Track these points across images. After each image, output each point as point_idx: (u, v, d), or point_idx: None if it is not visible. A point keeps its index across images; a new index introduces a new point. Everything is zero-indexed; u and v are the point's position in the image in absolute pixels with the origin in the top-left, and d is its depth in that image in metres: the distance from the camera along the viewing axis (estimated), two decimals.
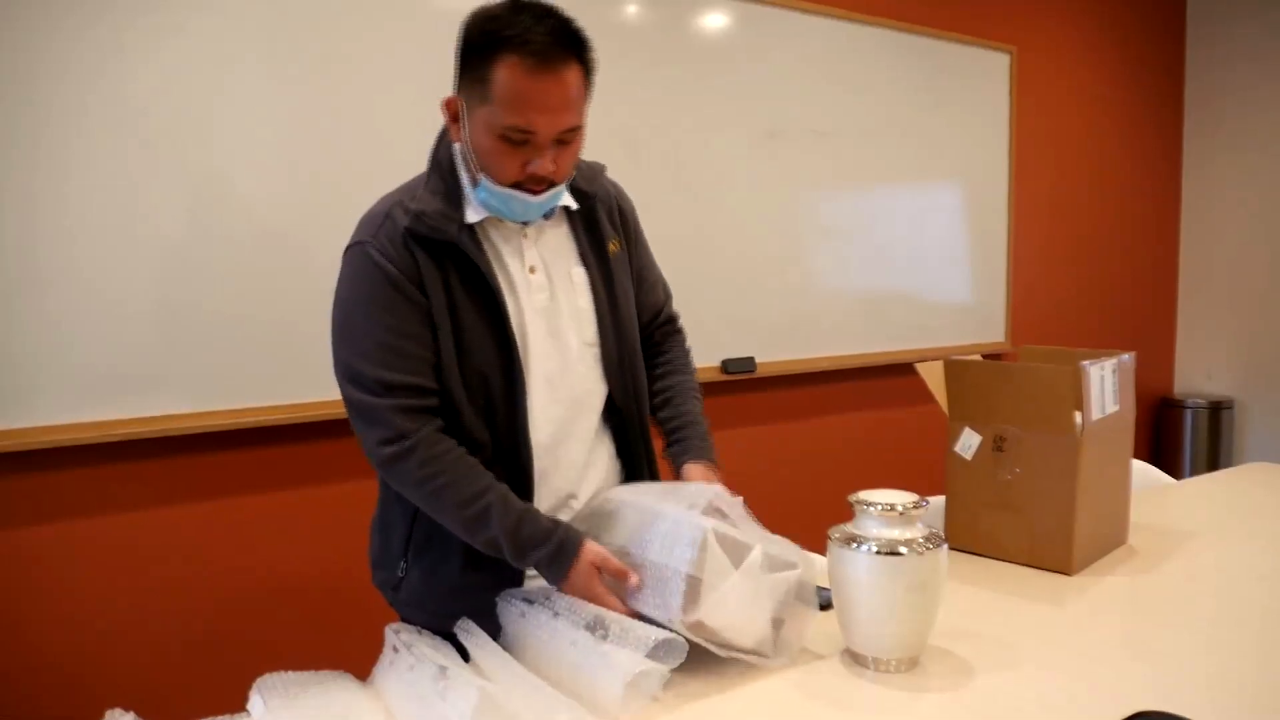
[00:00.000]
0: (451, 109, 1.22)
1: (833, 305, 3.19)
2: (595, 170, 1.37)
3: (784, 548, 1.18)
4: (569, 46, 1.15)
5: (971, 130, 3.59)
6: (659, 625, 1.10)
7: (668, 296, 1.53)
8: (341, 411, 2.25)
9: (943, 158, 3.50)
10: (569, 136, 1.19)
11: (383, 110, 2.22)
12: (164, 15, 1.96)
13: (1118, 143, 4.27)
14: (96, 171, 1.91)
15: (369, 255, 1.20)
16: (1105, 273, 4.26)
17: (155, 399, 1.99)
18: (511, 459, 1.27)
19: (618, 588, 1.17)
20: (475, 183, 1.22)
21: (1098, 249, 4.22)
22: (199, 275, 2.03)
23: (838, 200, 3.19)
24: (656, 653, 1.05)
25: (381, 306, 1.20)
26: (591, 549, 1.19)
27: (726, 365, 2.91)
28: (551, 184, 1.21)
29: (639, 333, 1.43)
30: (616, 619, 1.11)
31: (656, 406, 1.45)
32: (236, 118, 2.05)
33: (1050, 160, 3.96)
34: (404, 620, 1.34)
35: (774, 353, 3.02)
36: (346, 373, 1.22)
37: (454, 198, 1.24)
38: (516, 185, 1.19)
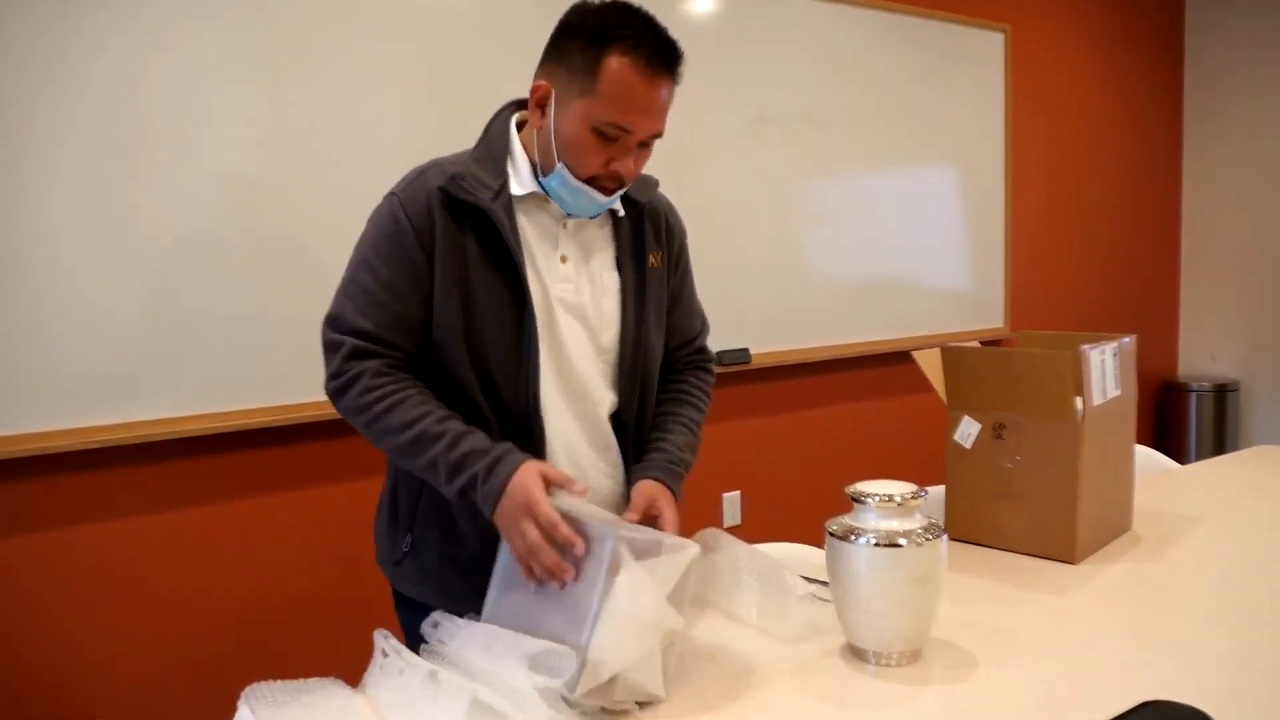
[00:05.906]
0: (540, 96, 1.21)
1: (828, 294, 3.17)
2: (650, 183, 1.37)
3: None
4: (675, 58, 1.19)
5: (966, 112, 3.56)
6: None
7: (704, 329, 1.50)
8: (327, 414, 2.25)
9: (937, 141, 3.47)
10: (651, 141, 1.23)
11: (371, 108, 2.20)
12: (154, 15, 1.94)
13: (1116, 122, 4.24)
14: (81, 174, 1.89)
15: (392, 206, 1.22)
16: (1105, 255, 4.23)
17: (140, 404, 1.98)
18: (523, 437, 1.24)
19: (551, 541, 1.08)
20: (547, 170, 1.22)
21: (1097, 231, 4.19)
22: (184, 278, 2.01)
23: (831, 187, 3.17)
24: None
25: (380, 255, 1.21)
26: (536, 462, 1.15)
27: (721, 357, 2.88)
28: (621, 185, 1.23)
29: (665, 354, 1.41)
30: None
31: (651, 428, 1.40)
32: (223, 117, 2.03)
33: (1047, 141, 3.93)
34: (401, 596, 1.34)
35: (769, 344, 3.00)
36: (331, 304, 1.24)
37: (498, 169, 1.24)
38: (591, 181, 1.20)
